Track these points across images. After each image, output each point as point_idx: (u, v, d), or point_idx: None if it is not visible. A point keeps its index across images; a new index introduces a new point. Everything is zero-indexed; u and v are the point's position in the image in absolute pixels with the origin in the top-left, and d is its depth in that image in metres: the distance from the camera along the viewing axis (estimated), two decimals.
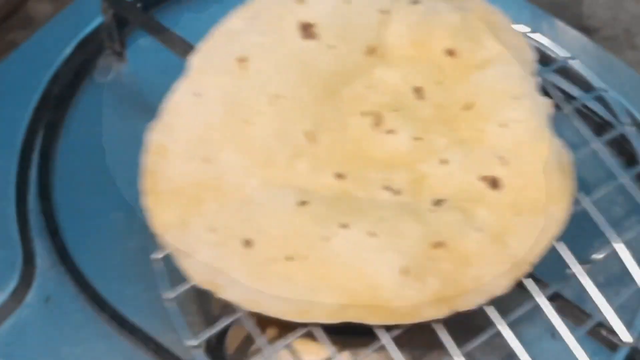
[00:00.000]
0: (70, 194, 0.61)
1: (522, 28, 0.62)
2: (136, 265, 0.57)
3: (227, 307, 0.49)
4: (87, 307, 0.55)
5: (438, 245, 0.48)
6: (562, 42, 0.64)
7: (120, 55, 0.67)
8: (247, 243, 0.49)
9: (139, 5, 0.65)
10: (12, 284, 0.55)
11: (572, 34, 0.68)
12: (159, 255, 0.51)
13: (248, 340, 0.51)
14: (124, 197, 0.60)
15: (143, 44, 0.67)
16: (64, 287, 0.56)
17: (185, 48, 0.60)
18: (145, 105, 0.64)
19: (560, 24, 0.68)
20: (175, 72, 0.64)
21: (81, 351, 0.54)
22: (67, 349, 0.54)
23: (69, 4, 0.69)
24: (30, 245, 0.57)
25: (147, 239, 0.57)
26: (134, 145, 0.62)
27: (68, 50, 0.65)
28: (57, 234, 0.58)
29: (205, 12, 0.68)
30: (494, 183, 0.51)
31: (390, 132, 0.53)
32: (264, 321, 0.49)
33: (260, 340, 0.48)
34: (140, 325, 0.55)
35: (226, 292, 0.48)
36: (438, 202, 0.50)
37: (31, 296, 0.56)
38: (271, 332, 0.53)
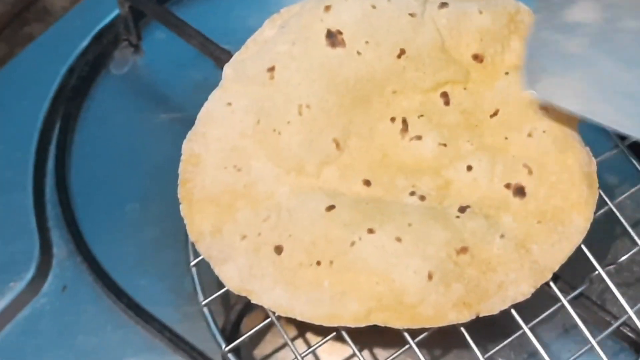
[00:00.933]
0: (86, 184, 0.61)
1: None
2: (152, 256, 0.58)
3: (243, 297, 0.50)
4: (103, 297, 0.56)
5: (463, 250, 0.49)
6: None
7: (136, 47, 0.67)
8: (278, 249, 0.50)
9: None
10: (29, 274, 0.56)
11: None
12: (194, 261, 0.52)
13: (263, 329, 0.51)
14: (140, 189, 0.60)
15: (159, 36, 0.67)
16: (81, 276, 0.57)
17: (200, 40, 0.60)
18: (161, 97, 0.65)
19: None
20: (190, 64, 0.65)
21: (97, 340, 0.55)
22: (83, 338, 0.55)
23: None
24: (47, 235, 0.58)
25: (163, 230, 0.58)
26: (150, 136, 0.63)
27: (84, 42, 0.66)
28: (73, 224, 0.59)
29: (221, 4, 0.69)
30: (518, 191, 0.51)
31: (416, 138, 0.53)
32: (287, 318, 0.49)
33: (293, 346, 0.50)
34: (155, 314, 0.55)
35: (260, 298, 0.49)
36: (463, 209, 0.51)
37: (48, 285, 0.57)
38: (292, 328, 0.54)
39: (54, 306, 0.56)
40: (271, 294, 0.49)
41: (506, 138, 0.53)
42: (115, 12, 0.66)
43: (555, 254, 0.50)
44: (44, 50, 0.67)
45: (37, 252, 0.57)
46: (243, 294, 0.49)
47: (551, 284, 0.50)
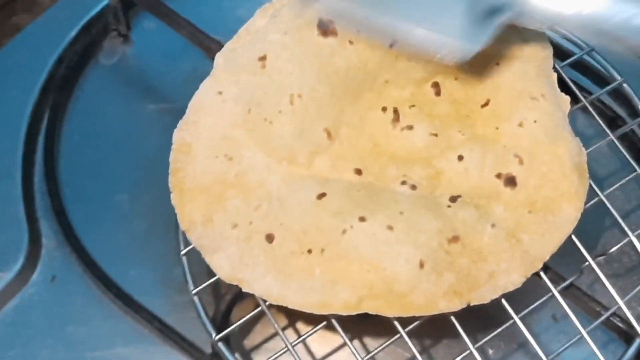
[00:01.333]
0: (75, 175, 0.61)
1: None
2: (141, 246, 0.57)
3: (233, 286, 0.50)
4: (92, 287, 0.56)
5: (454, 240, 0.49)
6: None
7: (125, 37, 0.67)
8: (269, 238, 0.49)
9: None
10: (18, 264, 0.56)
11: None
12: (184, 250, 0.52)
13: (253, 318, 0.51)
14: (129, 179, 0.60)
15: (148, 26, 0.67)
16: (70, 266, 0.57)
17: (190, 30, 0.60)
18: (151, 87, 0.65)
19: None
20: (180, 54, 0.65)
21: (86, 330, 0.55)
22: (72, 328, 0.55)
23: None
24: (36, 226, 0.58)
25: (152, 220, 0.58)
26: (139, 126, 0.63)
27: (73, 32, 0.66)
28: (62, 215, 0.59)
29: None
30: (509, 181, 0.51)
31: (407, 127, 0.53)
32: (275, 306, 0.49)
33: (283, 335, 0.50)
34: (145, 304, 0.55)
35: (251, 286, 0.49)
36: (454, 198, 0.51)
37: (37, 275, 0.56)
38: (283, 318, 0.54)
39: (43, 296, 0.56)
40: (262, 283, 0.49)
41: (497, 128, 0.53)
42: (104, 1, 0.66)
43: (545, 244, 0.50)
44: (33, 41, 0.66)
45: (26, 242, 0.57)
46: (234, 283, 0.49)
47: (542, 274, 0.50)
